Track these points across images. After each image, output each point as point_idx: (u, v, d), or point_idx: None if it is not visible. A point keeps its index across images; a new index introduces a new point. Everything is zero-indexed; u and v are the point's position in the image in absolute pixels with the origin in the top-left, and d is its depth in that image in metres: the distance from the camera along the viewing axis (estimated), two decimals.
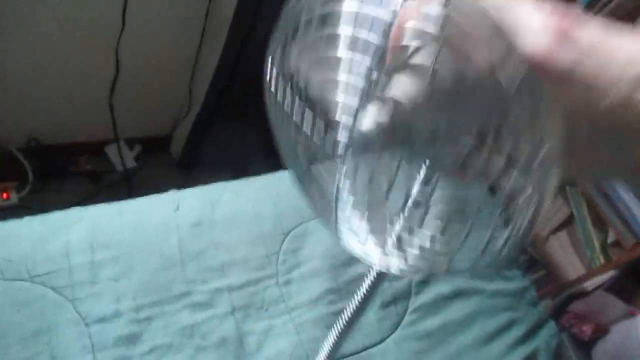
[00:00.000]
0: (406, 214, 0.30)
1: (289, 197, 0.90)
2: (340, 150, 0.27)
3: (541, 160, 0.22)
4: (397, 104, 0.23)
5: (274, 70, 0.29)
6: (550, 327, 1.00)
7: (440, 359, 0.81)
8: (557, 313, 1.80)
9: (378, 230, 0.31)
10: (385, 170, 0.26)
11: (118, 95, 1.58)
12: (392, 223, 0.31)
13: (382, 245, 0.32)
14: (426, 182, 0.27)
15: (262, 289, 0.77)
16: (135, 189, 1.74)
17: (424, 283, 0.91)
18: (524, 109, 0.22)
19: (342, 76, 0.24)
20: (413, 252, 0.30)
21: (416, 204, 0.30)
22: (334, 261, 0.85)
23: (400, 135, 0.24)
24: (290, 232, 0.86)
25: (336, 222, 0.33)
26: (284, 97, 0.29)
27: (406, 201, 0.27)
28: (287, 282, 0.80)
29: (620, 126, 0.23)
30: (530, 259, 1.93)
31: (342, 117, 0.25)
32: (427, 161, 0.24)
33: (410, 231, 0.30)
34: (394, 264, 0.31)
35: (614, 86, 0.22)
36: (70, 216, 0.72)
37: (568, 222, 1.81)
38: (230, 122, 1.67)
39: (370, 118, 0.24)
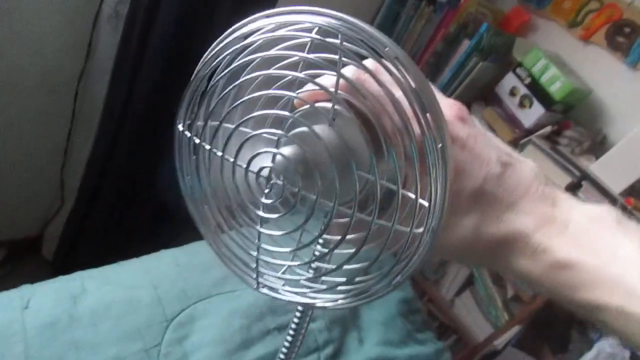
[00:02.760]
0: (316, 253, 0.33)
1: (172, 278, 0.78)
2: (263, 187, 0.30)
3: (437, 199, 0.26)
4: (307, 137, 0.28)
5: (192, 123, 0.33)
6: None
7: None
8: None
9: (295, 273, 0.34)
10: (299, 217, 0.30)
11: None
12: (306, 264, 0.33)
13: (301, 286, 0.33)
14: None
15: None
16: None
17: (334, 358, 0.82)
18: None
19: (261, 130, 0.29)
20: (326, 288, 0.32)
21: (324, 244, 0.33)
22: (229, 345, 0.73)
23: (313, 164, 0.28)
24: (174, 318, 0.73)
25: (257, 271, 0.34)
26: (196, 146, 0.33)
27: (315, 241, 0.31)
28: None
29: (489, 196, 0.30)
30: (440, 325, 1.91)
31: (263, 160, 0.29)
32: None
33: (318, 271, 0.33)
34: (317, 301, 0.33)
35: (491, 162, 0.30)
36: None
37: (470, 282, 1.84)
38: (108, 213, 1.51)
39: (287, 151, 0.28)
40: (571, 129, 1.50)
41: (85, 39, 1.26)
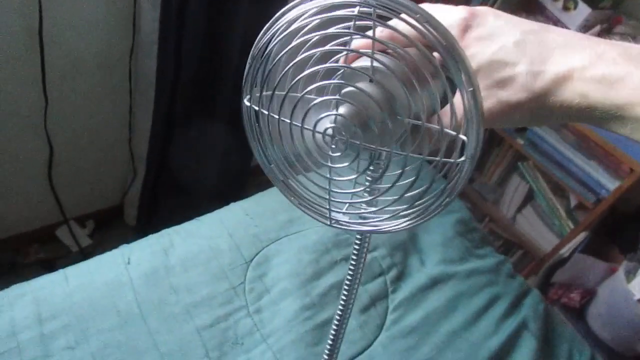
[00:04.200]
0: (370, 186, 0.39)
1: (244, 226, 0.88)
2: (329, 139, 0.35)
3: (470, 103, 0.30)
4: (357, 96, 0.33)
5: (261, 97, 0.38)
6: (535, 295, 1.00)
7: (430, 351, 0.79)
8: (543, 288, 1.80)
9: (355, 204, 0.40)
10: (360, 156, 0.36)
11: (57, 174, 1.53)
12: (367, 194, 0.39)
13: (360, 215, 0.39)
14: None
15: (233, 323, 0.73)
16: None
17: (399, 279, 0.89)
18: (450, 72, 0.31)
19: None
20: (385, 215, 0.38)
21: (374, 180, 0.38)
22: (303, 277, 0.82)
23: (364, 118, 0.33)
24: (252, 259, 0.83)
25: (329, 205, 0.40)
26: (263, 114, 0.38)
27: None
28: (259, 310, 0.76)
29: (533, 45, 0.33)
30: (504, 242, 1.95)
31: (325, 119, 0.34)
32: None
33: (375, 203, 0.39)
34: (380, 225, 0.38)
35: (525, 23, 0.34)
36: (12, 293, 0.67)
37: (530, 197, 1.85)
38: (179, 173, 1.64)
39: (343, 110, 0.34)
40: (623, 24, 1.42)
41: (129, 17, 1.33)
